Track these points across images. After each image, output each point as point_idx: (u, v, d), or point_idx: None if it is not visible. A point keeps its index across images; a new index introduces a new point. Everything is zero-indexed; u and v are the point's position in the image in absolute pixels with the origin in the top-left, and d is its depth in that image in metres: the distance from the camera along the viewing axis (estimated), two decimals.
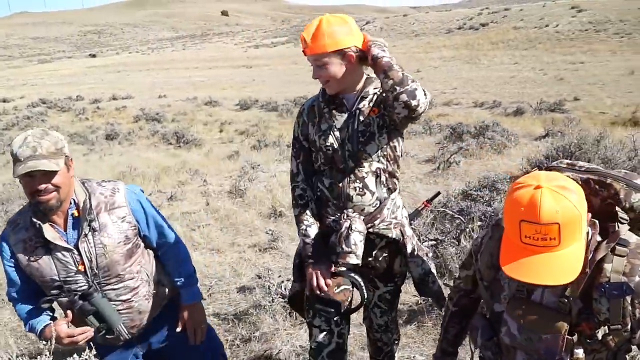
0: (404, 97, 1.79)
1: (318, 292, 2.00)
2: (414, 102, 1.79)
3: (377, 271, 2.12)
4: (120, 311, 2.06)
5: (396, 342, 2.37)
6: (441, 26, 56.11)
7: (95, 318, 1.99)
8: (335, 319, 2.07)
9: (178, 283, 2.20)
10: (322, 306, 2.07)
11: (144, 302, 2.10)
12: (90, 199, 1.98)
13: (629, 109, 16.44)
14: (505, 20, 50.86)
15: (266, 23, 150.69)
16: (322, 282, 1.98)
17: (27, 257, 1.97)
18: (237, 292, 3.68)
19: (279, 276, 3.59)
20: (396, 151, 2.03)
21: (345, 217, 1.98)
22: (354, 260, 1.94)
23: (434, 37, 52.01)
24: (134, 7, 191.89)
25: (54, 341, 1.89)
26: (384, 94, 1.91)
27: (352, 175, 1.98)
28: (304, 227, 2.04)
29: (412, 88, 1.80)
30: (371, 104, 1.97)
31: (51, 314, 2.11)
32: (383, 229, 2.03)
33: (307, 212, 2.06)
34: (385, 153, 2.00)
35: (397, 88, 1.79)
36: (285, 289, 3.24)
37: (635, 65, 27.81)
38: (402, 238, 2.08)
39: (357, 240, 1.94)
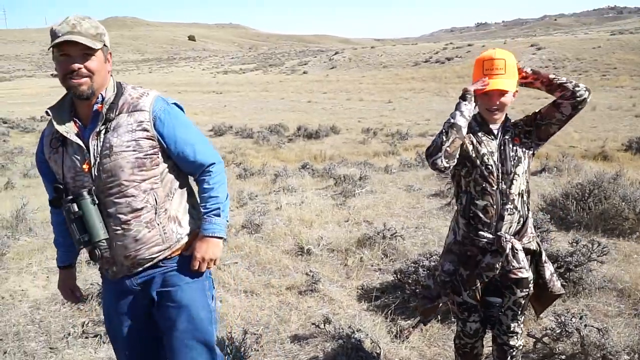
0: (581, 92, 2.23)
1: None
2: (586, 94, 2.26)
3: (517, 278, 2.34)
4: (116, 231, 1.87)
5: (522, 347, 2.55)
6: (408, 59, 57.45)
7: (77, 226, 1.82)
8: (481, 315, 2.47)
9: (203, 210, 2.03)
10: (477, 308, 2.43)
11: (144, 229, 1.89)
12: (118, 98, 1.89)
13: (596, 144, 17.08)
14: (469, 55, 52.51)
15: (233, 49, 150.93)
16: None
17: (49, 152, 1.92)
18: (291, 342, 3.39)
19: (339, 324, 3.32)
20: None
21: (504, 240, 2.26)
22: (526, 274, 2.31)
23: (402, 69, 53.12)
24: None
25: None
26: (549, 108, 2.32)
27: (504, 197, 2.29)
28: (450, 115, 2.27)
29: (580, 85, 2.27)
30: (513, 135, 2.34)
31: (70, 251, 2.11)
32: (527, 243, 2.36)
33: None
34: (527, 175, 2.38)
35: (577, 89, 2.23)
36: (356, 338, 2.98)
37: (595, 102, 28.99)
38: (539, 248, 2.42)
39: (524, 257, 2.30)
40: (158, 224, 1.91)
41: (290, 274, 4.52)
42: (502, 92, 2.22)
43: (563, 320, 2.91)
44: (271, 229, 5.69)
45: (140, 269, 1.95)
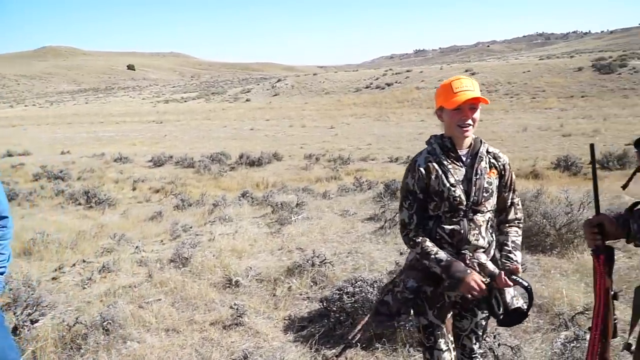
0: None
1: (476, 294, 2.18)
2: None
3: (477, 300, 2.30)
4: None
5: None
6: (350, 85, 58.71)
7: None
8: (451, 341, 2.37)
9: None
10: (444, 332, 2.34)
11: None
12: None
13: (528, 163, 17.91)
14: (408, 81, 54.35)
15: (174, 78, 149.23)
16: (482, 285, 2.17)
17: None
18: None
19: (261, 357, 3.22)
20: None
21: (468, 258, 2.25)
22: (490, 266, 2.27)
23: (344, 95, 54.16)
24: (32, 58, 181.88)
25: None
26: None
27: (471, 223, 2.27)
28: (433, 255, 2.22)
29: None
30: (487, 166, 2.32)
31: None
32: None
33: (428, 242, 2.26)
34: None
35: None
36: None
37: (526, 123, 30.65)
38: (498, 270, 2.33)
39: (493, 266, 2.27)
40: None
41: (216, 308, 4.38)
42: (475, 105, 2.23)
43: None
44: (200, 262, 5.53)
45: None
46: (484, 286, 2.16)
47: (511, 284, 2.15)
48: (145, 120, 46.66)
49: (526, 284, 2.13)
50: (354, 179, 12.78)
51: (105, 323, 3.83)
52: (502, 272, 2.15)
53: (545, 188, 7.11)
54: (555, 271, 4.78)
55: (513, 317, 2.22)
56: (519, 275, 2.17)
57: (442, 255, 2.21)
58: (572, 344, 3.01)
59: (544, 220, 5.76)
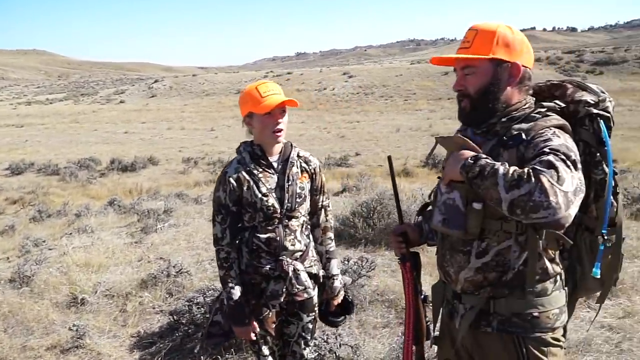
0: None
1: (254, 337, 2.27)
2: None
3: (302, 301, 2.34)
4: None
5: None
6: (231, 87, 57.97)
7: None
8: (276, 345, 2.42)
9: None
10: (267, 339, 2.36)
11: None
12: None
13: (400, 162, 18.95)
14: (289, 83, 54.93)
15: (39, 77, 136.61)
16: (252, 338, 2.27)
17: None
18: None
19: None
20: None
21: (286, 263, 2.25)
22: (312, 293, 2.33)
23: (224, 97, 53.31)
24: None
25: None
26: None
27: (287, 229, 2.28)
28: (229, 288, 2.23)
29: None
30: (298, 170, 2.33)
31: None
32: (308, 267, 2.36)
33: (232, 271, 2.24)
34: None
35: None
36: None
37: (399, 124, 32.48)
38: (319, 272, 2.42)
39: (307, 278, 2.31)
40: None
41: (56, 330, 3.98)
42: (285, 109, 2.23)
43: (317, 343, 2.98)
44: (44, 280, 5.03)
45: None
46: (254, 338, 2.27)
47: (339, 301, 2.48)
48: (3, 124, 42.08)
49: (349, 299, 2.47)
50: None
51: None
52: (331, 301, 2.47)
53: (403, 186, 7.51)
54: None
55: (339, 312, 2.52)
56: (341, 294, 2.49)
57: (236, 292, 2.22)
58: None
59: None
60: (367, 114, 39.04)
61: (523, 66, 1.63)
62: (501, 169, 1.42)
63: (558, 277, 1.67)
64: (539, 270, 1.61)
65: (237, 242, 2.29)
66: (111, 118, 43.76)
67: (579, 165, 1.46)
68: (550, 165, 1.39)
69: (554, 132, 1.54)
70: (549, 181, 1.34)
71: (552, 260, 1.64)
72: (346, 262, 4.20)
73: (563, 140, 1.50)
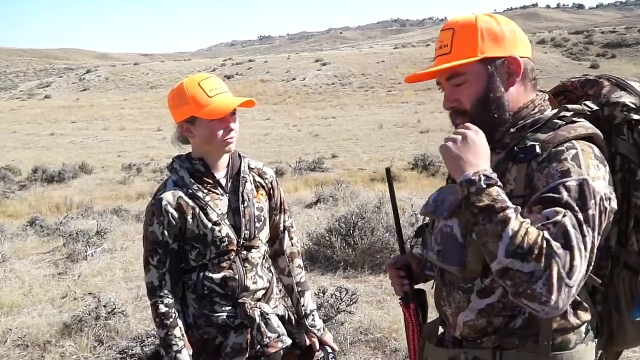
0: None
1: None
2: None
3: (277, 351, 2.20)
4: None
5: None
6: (181, 77, 56.45)
7: None
8: None
9: None
10: None
11: None
12: None
13: (384, 164, 18.94)
14: (252, 73, 54.87)
15: None
16: None
17: None
18: None
19: None
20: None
21: (249, 306, 2.09)
22: (287, 341, 2.15)
23: None
24: None
25: None
26: None
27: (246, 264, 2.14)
28: (173, 353, 2.01)
29: None
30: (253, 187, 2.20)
31: None
32: (274, 308, 2.23)
33: (177, 330, 2.03)
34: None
35: None
36: None
37: (382, 119, 32.62)
38: (286, 312, 2.31)
39: (278, 321, 2.16)
40: None
41: None
42: (234, 111, 2.05)
43: None
44: None
45: None
46: None
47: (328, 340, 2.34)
48: None
49: (329, 351, 2.30)
50: None
51: None
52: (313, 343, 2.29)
53: (387, 195, 7.37)
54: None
55: None
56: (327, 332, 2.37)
57: (183, 357, 2.00)
58: None
59: (387, 235, 5.93)
60: (345, 108, 39.14)
61: (521, 57, 1.52)
62: (512, 224, 1.26)
63: (585, 326, 1.52)
64: (558, 318, 1.46)
65: (179, 289, 2.09)
66: (34, 117, 43.01)
67: (604, 217, 1.34)
68: (567, 241, 1.25)
69: (577, 153, 1.38)
70: (559, 273, 1.23)
71: (576, 306, 1.50)
72: (321, 295, 4.04)
73: (585, 173, 1.34)
